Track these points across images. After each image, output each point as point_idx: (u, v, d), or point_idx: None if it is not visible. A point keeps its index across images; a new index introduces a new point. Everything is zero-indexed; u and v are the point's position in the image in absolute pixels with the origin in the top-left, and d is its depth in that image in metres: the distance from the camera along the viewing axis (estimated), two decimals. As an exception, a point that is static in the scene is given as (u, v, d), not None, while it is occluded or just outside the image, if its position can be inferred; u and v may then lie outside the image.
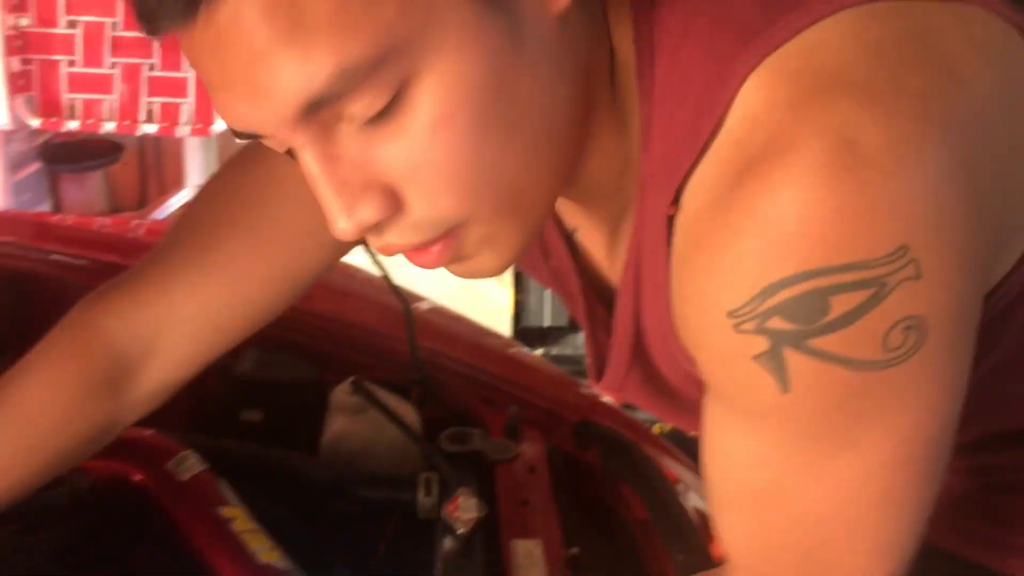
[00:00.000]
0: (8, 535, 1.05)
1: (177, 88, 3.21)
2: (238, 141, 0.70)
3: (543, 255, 0.90)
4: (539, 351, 3.52)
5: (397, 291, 1.44)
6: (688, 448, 1.38)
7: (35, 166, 3.52)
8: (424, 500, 1.19)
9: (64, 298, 1.00)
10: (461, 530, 1.11)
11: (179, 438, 1.21)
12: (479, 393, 1.50)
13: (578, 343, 3.64)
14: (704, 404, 0.72)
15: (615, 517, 1.34)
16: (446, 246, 0.69)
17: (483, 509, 1.12)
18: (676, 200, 0.66)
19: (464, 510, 1.12)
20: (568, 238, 0.87)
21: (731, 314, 0.61)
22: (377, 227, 0.67)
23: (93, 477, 1.14)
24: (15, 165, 3.38)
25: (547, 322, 3.74)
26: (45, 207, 3.57)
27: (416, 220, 0.67)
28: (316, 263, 0.97)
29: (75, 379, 0.96)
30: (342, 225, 0.66)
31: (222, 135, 3.32)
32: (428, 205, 0.66)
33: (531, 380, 1.61)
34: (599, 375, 0.87)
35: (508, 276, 3.46)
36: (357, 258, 1.23)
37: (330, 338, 1.54)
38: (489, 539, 1.14)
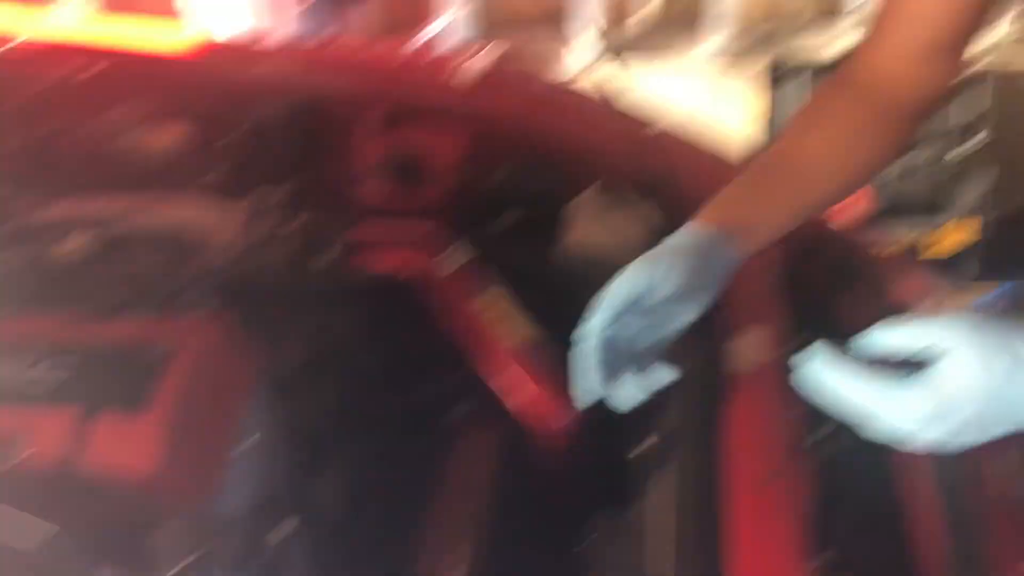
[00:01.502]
0: (310, 313, 1.31)
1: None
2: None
3: None
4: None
5: (636, 110, 1.52)
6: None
7: (322, -7, 3.81)
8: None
9: (344, 125, 1.15)
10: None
11: (448, 236, 1.41)
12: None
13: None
14: None
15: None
16: None
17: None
18: None
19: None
20: None
21: None
22: None
23: (379, 268, 1.37)
24: (303, -7, 3.68)
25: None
26: (329, 32, 3.88)
27: None
28: None
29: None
30: None
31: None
32: None
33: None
34: None
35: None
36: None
37: (581, 150, 1.66)
38: (719, 324, 1.24)
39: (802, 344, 1.21)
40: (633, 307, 0.97)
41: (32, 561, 0.87)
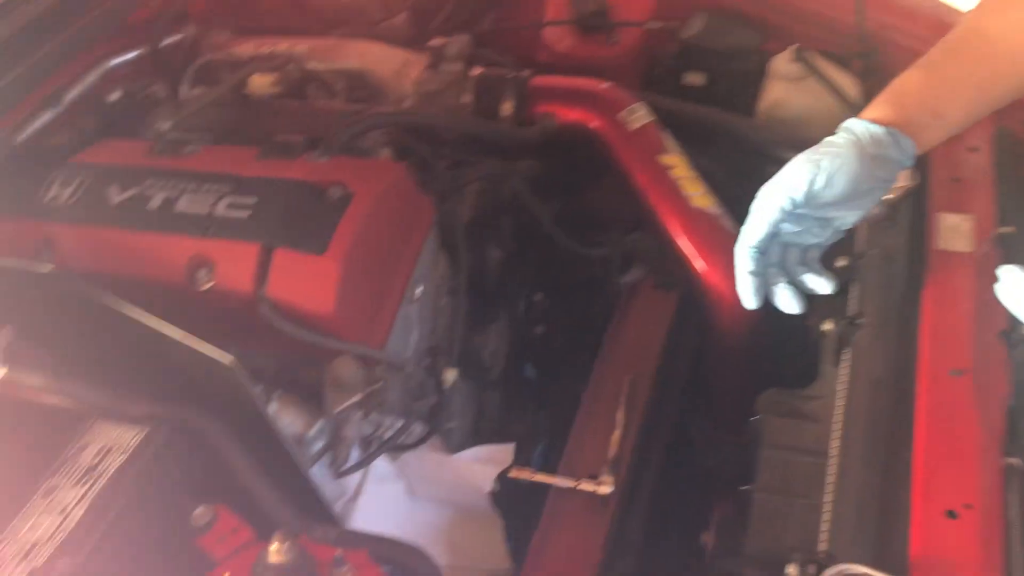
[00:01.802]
0: (496, 164, 1.29)
1: None
2: None
3: None
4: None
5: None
6: None
7: None
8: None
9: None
10: (890, 195, 1.13)
11: (631, 93, 1.35)
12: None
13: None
14: None
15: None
16: None
17: (915, 178, 1.13)
18: None
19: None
20: None
21: None
22: None
23: (560, 121, 1.32)
24: None
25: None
26: None
27: None
28: None
29: None
30: None
31: None
32: None
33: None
34: None
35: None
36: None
37: (774, 7, 1.54)
38: (916, 210, 1.16)
39: (1008, 240, 1.11)
40: (791, 210, 0.91)
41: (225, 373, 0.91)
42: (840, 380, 1.04)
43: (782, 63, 1.44)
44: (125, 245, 1.09)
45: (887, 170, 0.93)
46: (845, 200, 0.92)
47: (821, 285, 0.96)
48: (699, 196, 1.23)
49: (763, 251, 0.94)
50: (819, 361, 1.08)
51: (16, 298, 1.06)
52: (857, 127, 0.93)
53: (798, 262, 0.97)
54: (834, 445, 0.98)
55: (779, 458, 1.01)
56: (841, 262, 1.16)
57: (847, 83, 1.40)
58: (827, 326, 1.10)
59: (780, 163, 1.27)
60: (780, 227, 0.93)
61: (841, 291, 1.14)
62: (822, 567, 0.85)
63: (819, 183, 0.90)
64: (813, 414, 1.03)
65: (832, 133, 1.00)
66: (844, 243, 1.07)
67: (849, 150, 0.92)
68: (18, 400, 0.98)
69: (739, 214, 1.26)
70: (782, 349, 1.19)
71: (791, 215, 0.93)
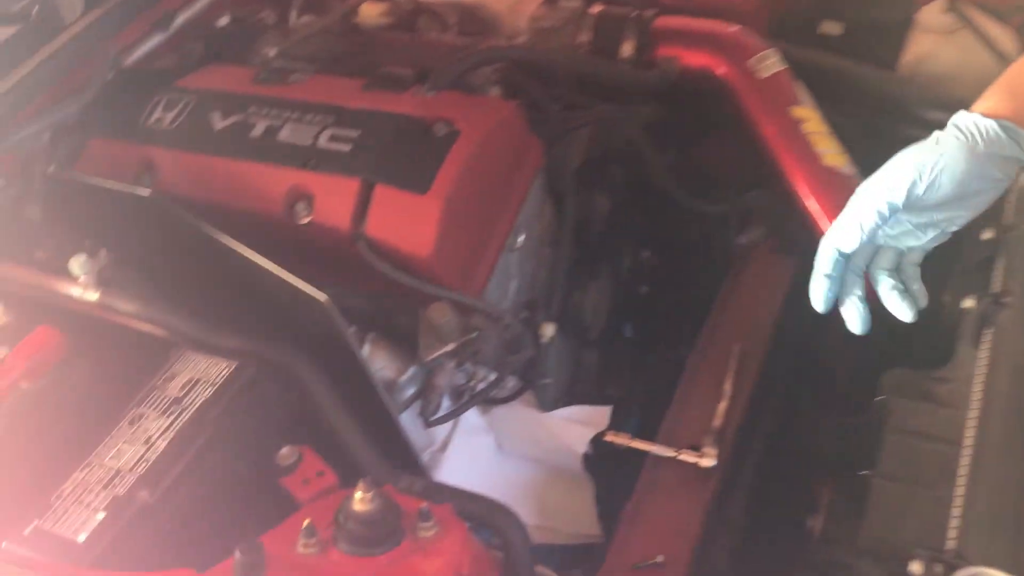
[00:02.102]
0: (611, 108, 1.21)
1: None
2: None
3: None
4: None
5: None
6: None
7: None
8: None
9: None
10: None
11: (763, 39, 1.25)
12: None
13: None
14: None
15: None
16: None
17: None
18: None
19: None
20: None
21: None
22: None
23: (683, 65, 1.23)
24: None
25: None
26: None
27: None
28: None
29: None
30: None
31: None
32: None
33: None
34: None
35: None
36: None
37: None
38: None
39: None
40: (888, 216, 0.80)
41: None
42: (979, 363, 0.94)
43: (932, 14, 1.31)
44: (225, 173, 1.06)
45: (1003, 169, 0.81)
46: (953, 201, 0.81)
47: (901, 310, 0.83)
48: (832, 154, 1.13)
49: (834, 263, 0.83)
50: (955, 341, 0.99)
51: (114, 221, 1.05)
52: (965, 121, 0.81)
53: (889, 266, 0.85)
54: (969, 434, 0.89)
55: (904, 444, 0.92)
56: (987, 235, 1.05)
57: (1005, 39, 1.27)
58: (968, 303, 1.00)
59: (923, 124, 1.17)
60: (870, 232, 0.81)
61: (985, 265, 1.04)
62: (951, 568, 0.77)
63: (921, 187, 0.80)
64: (946, 398, 0.94)
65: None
66: (991, 213, 0.97)
67: (957, 150, 0.80)
68: (110, 325, 0.97)
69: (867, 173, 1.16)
70: (911, 325, 1.09)
71: (889, 219, 0.82)
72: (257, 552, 0.74)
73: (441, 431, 1.15)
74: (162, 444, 0.84)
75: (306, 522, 0.78)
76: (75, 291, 0.98)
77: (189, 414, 0.86)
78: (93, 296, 0.97)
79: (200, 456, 0.84)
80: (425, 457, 1.12)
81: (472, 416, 1.17)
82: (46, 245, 1.03)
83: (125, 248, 1.03)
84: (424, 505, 0.81)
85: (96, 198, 1.04)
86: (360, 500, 0.78)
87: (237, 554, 0.73)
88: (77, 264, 0.96)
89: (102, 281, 0.98)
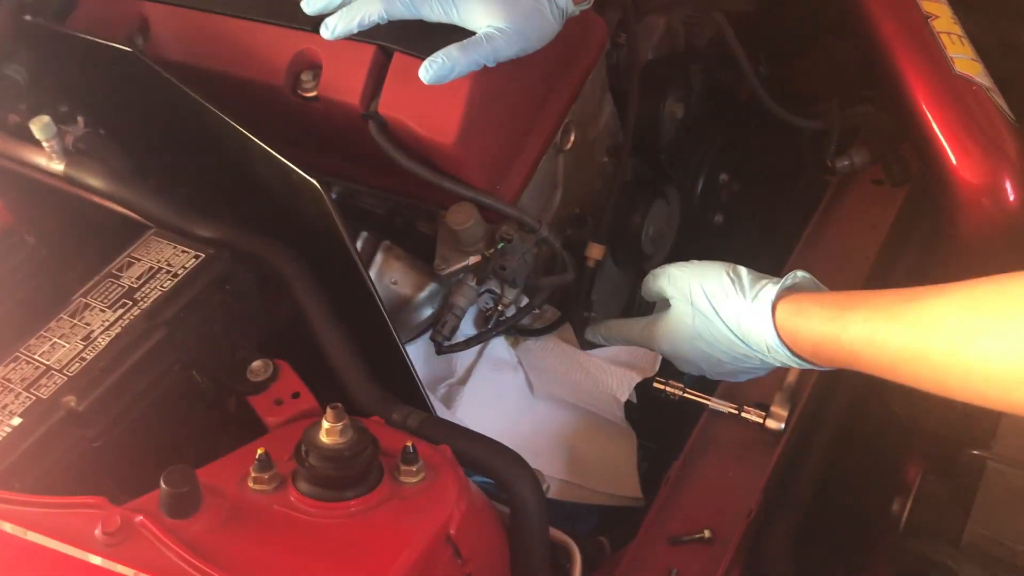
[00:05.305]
0: None
1: None
2: None
3: None
4: None
5: None
6: None
7: None
8: None
9: None
10: None
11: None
12: None
13: None
14: None
15: None
16: None
17: None
18: None
19: None
20: None
21: None
22: None
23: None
24: None
25: None
26: None
27: None
28: None
29: None
30: None
31: None
32: None
33: None
34: None
35: None
36: None
37: None
38: None
39: None
40: None
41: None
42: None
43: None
44: (225, 34, 0.90)
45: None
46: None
47: None
48: (966, 60, 0.91)
49: None
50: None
51: (95, 85, 0.91)
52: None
53: None
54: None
55: (1031, 422, 0.74)
56: None
57: None
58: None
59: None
60: None
61: None
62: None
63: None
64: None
65: None
66: None
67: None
68: (73, 200, 0.82)
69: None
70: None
71: None
72: (188, 482, 0.58)
73: (463, 361, 0.98)
74: (103, 342, 0.69)
75: (260, 451, 0.63)
76: (40, 160, 0.84)
77: (140, 309, 0.71)
78: (58, 167, 0.83)
79: (147, 360, 0.69)
80: (441, 389, 0.96)
81: (500, 348, 1.00)
82: (20, 109, 0.90)
83: (106, 117, 0.88)
84: (410, 443, 0.64)
85: (77, 55, 0.90)
86: (328, 430, 0.62)
87: (162, 483, 0.58)
88: (38, 127, 0.81)
89: (74, 151, 0.84)
